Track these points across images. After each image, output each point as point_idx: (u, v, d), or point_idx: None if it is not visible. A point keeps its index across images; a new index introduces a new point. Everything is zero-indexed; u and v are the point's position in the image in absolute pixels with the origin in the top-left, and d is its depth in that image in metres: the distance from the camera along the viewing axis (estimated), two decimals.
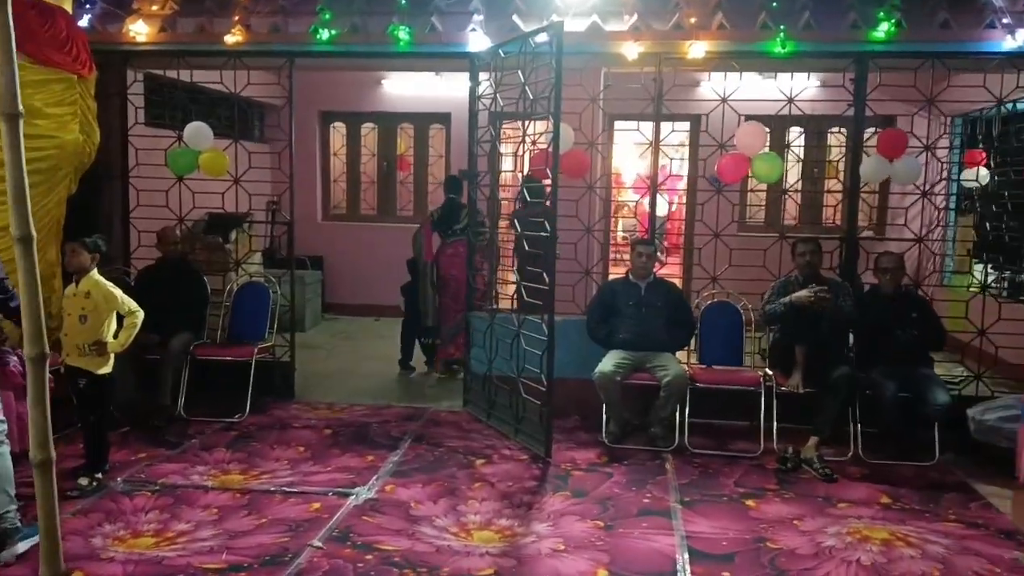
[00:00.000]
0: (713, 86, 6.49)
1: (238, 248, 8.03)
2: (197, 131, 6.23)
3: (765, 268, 5.97)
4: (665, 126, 6.26)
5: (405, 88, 9.80)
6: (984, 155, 7.73)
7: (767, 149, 6.00)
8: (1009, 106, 5.85)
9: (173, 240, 6.22)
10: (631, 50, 5.83)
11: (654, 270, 5.82)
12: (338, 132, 10.29)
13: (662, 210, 13.82)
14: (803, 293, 5.21)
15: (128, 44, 6.32)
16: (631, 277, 5.80)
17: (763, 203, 9.15)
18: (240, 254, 7.60)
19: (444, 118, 9.90)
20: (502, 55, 5.57)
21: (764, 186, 9.38)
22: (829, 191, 8.83)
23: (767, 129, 5.91)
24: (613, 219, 8.77)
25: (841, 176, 8.19)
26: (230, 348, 6.14)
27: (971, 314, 5.81)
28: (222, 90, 6.53)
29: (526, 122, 5.57)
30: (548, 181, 5.15)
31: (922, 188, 5.92)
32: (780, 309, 5.36)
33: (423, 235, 7.56)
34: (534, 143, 5.74)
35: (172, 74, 6.49)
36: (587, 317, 5.83)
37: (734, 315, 5.95)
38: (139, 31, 6.25)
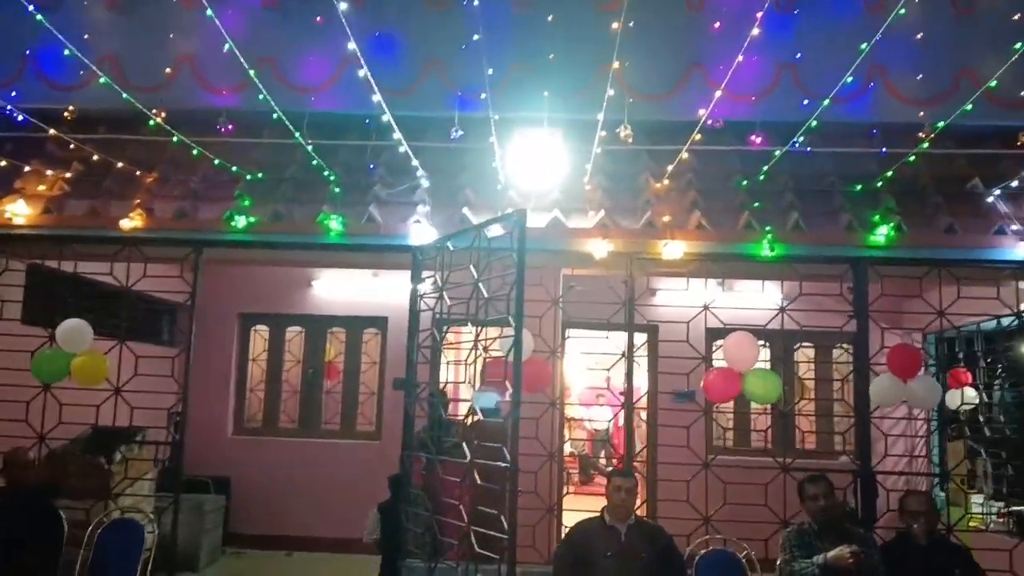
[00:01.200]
0: (672, 294, 5.59)
1: (126, 470, 6.55)
2: (73, 330, 5.04)
3: (768, 507, 4.85)
4: (615, 335, 5.34)
5: (337, 289, 8.85)
6: (969, 375, 7.00)
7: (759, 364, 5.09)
8: (994, 323, 5.16)
9: (22, 464, 4.81)
10: (599, 248, 5.02)
11: (634, 509, 4.64)
12: (260, 336, 9.15)
13: (602, 425, 12.78)
14: (839, 553, 4.06)
15: (4, 227, 5.25)
16: (607, 518, 4.58)
17: (730, 425, 8.18)
18: (130, 474, 6.17)
19: (380, 322, 8.91)
20: (450, 248, 4.66)
21: (731, 405, 8.54)
22: (816, 415, 7.81)
23: (760, 342, 5.01)
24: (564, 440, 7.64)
25: (837, 395, 7.27)
26: None
27: (1018, 565, 4.72)
28: (115, 284, 5.42)
29: (479, 327, 4.58)
30: (503, 395, 4.09)
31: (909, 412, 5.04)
32: (814, 573, 4.19)
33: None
34: (486, 349, 4.73)
35: (68, 264, 5.39)
36: (553, 572, 4.54)
37: (733, 568, 4.72)
38: (19, 212, 5.21)
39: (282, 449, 8.66)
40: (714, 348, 8.37)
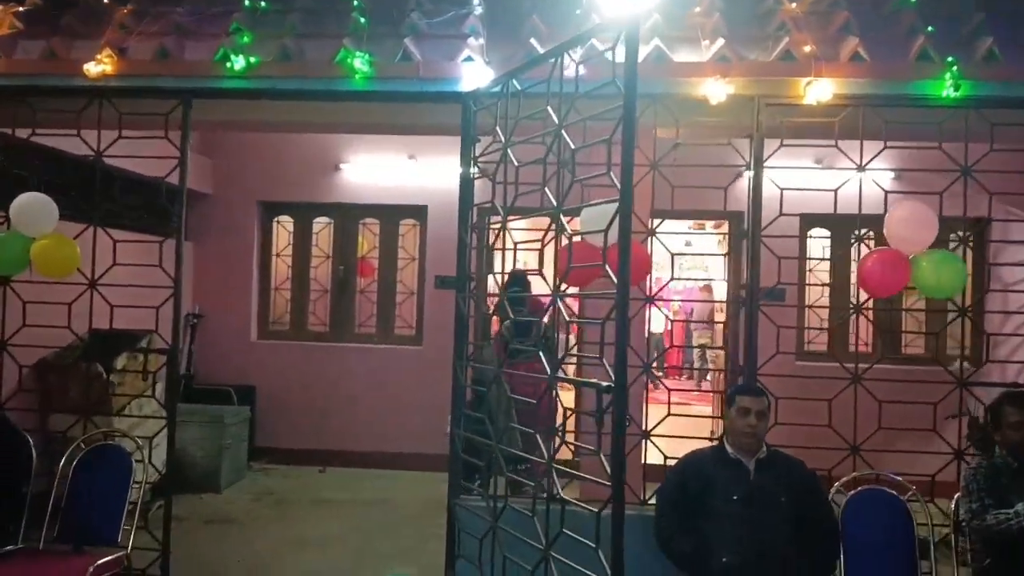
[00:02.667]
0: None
1: (146, 376, 5.52)
2: (30, 207, 3.86)
3: (936, 433, 3.62)
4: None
5: (369, 174, 7.57)
6: None
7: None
8: None
9: None
10: (716, 90, 3.64)
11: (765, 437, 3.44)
12: (283, 228, 7.96)
13: (657, 326, 11.47)
14: None
15: None
16: (730, 449, 3.40)
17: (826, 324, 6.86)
18: (131, 388, 5.19)
19: (418, 212, 7.65)
20: (517, 86, 3.32)
21: (827, 301, 7.21)
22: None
23: (933, 213, 3.62)
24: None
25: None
26: (52, 563, 3.54)
27: None
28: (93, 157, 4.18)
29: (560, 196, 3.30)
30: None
31: None
32: (1018, 524, 3.00)
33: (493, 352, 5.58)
34: (569, 238, 3.47)
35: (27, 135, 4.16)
36: (657, 518, 3.40)
37: (895, 515, 3.53)
38: None
39: (312, 355, 7.60)
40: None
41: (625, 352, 2.61)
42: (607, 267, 2.68)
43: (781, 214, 3.74)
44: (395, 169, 7.49)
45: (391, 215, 7.75)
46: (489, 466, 3.43)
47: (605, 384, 2.62)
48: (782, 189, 3.78)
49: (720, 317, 7.79)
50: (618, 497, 2.55)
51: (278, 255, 7.90)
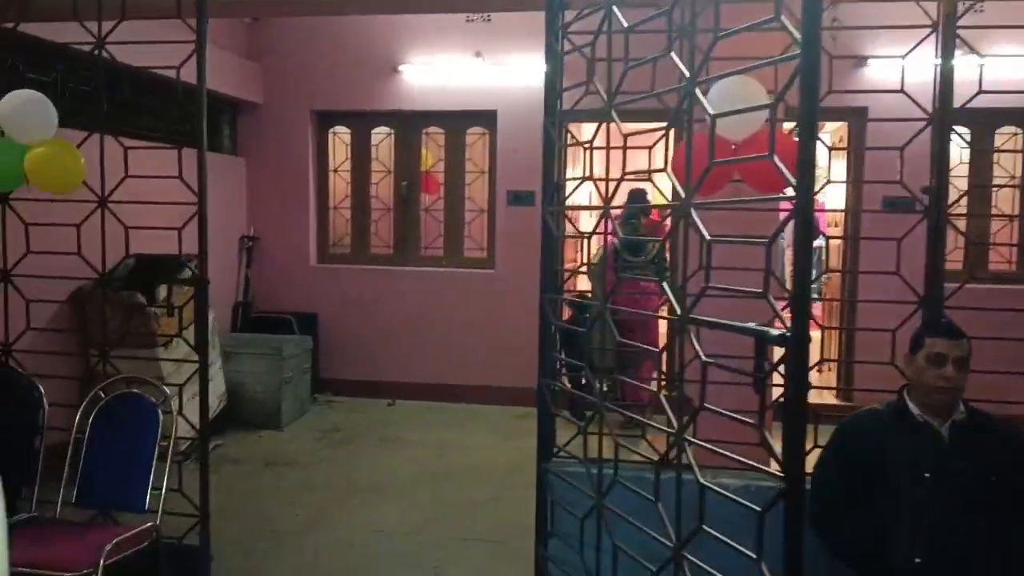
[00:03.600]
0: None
1: (172, 311, 4.93)
2: (24, 108, 3.15)
3: None
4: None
5: (432, 77, 6.65)
6: None
7: None
8: None
9: None
10: None
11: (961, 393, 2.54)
12: (340, 140, 7.18)
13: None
14: None
15: None
16: (915, 409, 2.52)
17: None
18: (169, 326, 4.64)
19: (487, 118, 6.74)
20: None
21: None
22: None
23: None
24: None
25: None
26: (67, 535, 2.96)
27: None
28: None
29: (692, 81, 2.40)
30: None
31: None
32: None
33: (604, 268, 5.48)
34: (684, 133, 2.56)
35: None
36: (813, 501, 2.57)
37: None
38: None
39: (376, 280, 6.90)
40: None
41: (808, 288, 1.75)
42: (780, 163, 1.79)
43: (981, 91, 2.73)
44: (460, 70, 6.55)
45: (457, 123, 6.86)
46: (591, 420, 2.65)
47: (776, 333, 1.77)
48: (982, 57, 2.75)
49: (833, 231, 6.73)
50: (796, 495, 1.73)
51: (336, 171, 7.14)
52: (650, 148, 2.78)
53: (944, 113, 2.63)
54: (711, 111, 2.05)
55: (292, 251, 6.96)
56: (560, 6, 2.81)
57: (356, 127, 7.04)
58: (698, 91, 2.08)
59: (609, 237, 6.82)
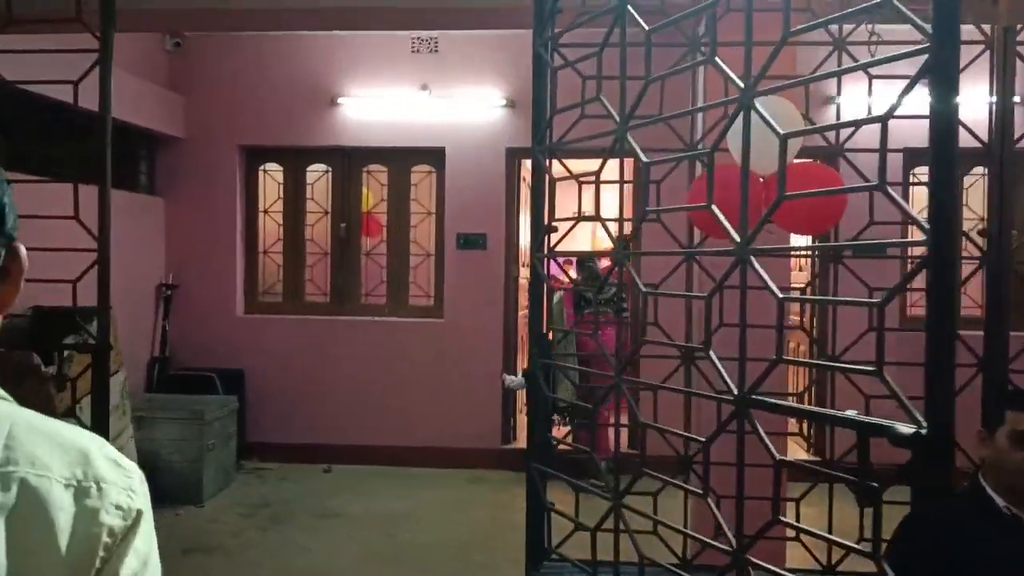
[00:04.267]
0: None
1: (64, 384, 4.15)
2: None
3: None
4: None
5: (373, 110, 6.11)
6: None
7: None
8: None
9: None
10: None
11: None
12: (271, 178, 6.53)
13: None
14: None
15: None
16: (999, 500, 2.07)
17: None
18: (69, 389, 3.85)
19: (434, 156, 6.24)
20: None
21: None
22: None
23: None
24: None
25: None
26: None
27: None
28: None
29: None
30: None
31: None
32: None
33: (563, 305, 5.69)
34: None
35: None
36: None
37: None
38: None
39: (310, 331, 6.23)
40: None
41: (952, 361, 1.28)
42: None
43: None
44: (405, 103, 6.04)
45: (401, 160, 6.32)
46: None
47: (910, 430, 1.28)
48: None
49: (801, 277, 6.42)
50: None
51: (266, 211, 6.48)
52: (658, 183, 2.31)
53: (1004, 147, 2.24)
54: (779, 129, 1.58)
55: (216, 300, 6.23)
56: (551, 12, 2.33)
57: (289, 164, 6.41)
58: (761, 107, 1.62)
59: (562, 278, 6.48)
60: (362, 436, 6.04)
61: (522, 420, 5.89)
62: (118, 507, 0.70)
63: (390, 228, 6.36)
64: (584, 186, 2.29)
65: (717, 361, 1.64)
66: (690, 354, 2.51)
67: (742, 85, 1.62)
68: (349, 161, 6.31)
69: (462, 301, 6.00)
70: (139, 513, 0.72)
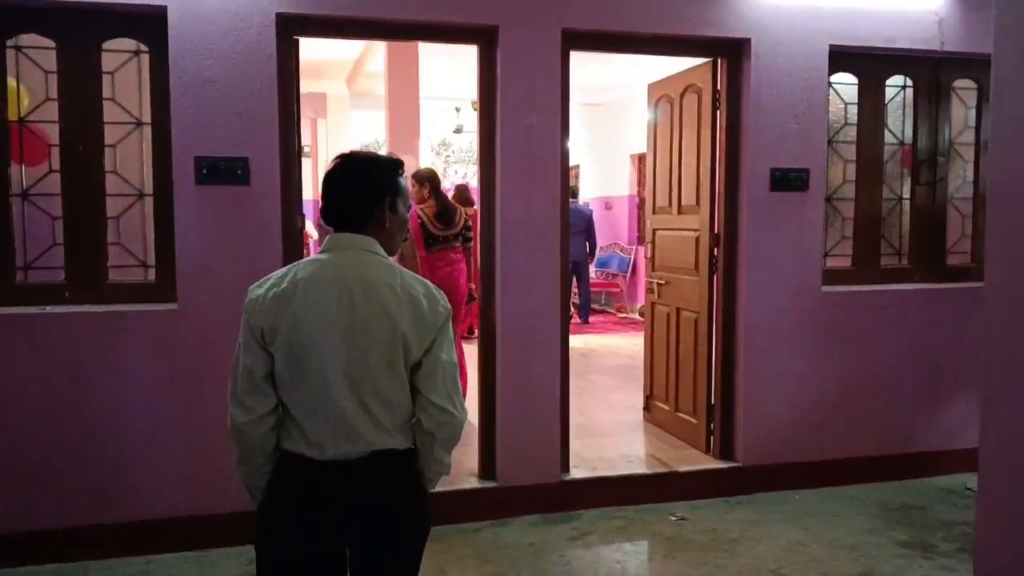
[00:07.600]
0: None
1: None
2: None
3: None
4: None
5: None
6: None
7: None
8: None
9: None
10: None
11: None
12: None
13: None
14: None
15: None
16: None
17: None
18: None
19: (145, 22, 3.46)
20: None
21: None
22: None
23: None
24: None
25: None
26: None
27: None
28: None
29: None
30: None
31: None
32: None
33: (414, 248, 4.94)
34: None
35: None
36: None
37: None
38: None
39: None
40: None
41: None
42: None
43: None
44: None
45: (81, 30, 3.52)
46: None
47: None
48: None
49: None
50: None
51: None
52: None
53: None
54: None
55: None
56: None
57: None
58: None
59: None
60: (28, 504, 3.29)
61: None
62: (444, 306, 1.75)
63: (65, 149, 3.54)
64: None
65: None
66: None
67: None
68: None
69: (208, 273, 3.45)
70: (448, 311, 1.76)
